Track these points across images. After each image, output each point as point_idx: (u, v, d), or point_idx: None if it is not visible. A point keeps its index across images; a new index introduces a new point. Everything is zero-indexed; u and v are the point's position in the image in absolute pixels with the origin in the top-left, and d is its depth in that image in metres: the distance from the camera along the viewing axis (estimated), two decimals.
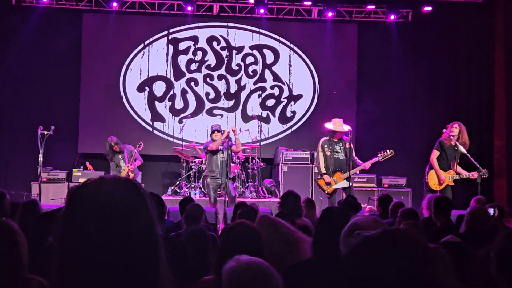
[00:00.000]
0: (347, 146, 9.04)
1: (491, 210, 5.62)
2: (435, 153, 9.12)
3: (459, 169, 9.12)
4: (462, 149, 8.97)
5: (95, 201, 1.36)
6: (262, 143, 12.02)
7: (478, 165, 8.86)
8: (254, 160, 11.67)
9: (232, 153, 9.85)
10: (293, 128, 12.84)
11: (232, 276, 1.73)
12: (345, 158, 8.98)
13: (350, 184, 9.05)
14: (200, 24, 12.79)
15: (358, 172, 9.27)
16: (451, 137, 9.01)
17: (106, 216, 1.34)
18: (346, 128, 9.07)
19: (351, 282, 1.48)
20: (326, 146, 9.05)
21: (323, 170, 9.04)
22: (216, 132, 9.57)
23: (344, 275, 1.52)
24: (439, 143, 9.15)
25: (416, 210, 5.65)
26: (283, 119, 12.84)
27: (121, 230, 1.33)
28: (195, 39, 12.77)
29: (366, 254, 1.49)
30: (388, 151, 9.09)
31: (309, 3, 12.43)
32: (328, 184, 8.98)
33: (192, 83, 12.70)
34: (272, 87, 12.84)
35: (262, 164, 11.70)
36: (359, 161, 9.09)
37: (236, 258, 1.79)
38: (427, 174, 9.15)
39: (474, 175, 8.90)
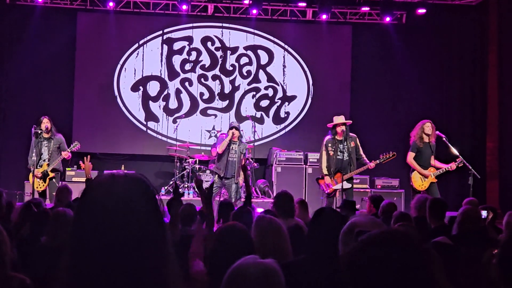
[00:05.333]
0: (352, 145, 8.97)
1: (484, 213, 5.65)
2: (411, 155, 9.16)
3: (437, 164, 9.18)
4: (450, 145, 9.07)
5: (105, 200, 1.35)
6: (256, 143, 12.03)
7: (457, 153, 9.00)
8: (247, 161, 11.68)
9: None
10: (287, 129, 12.87)
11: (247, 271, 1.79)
12: (348, 158, 8.89)
13: (351, 185, 9.01)
14: (194, 24, 12.80)
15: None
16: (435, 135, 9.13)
17: (116, 216, 1.33)
18: (342, 119, 9.03)
19: (352, 281, 1.48)
20: (330, 145, 8.97)
21: (325, 171, 8.99)
22: (229, 130, 9.63)
23: (344, 274, 1.51)
24: (413, 145, 9.18)
25: (408, 212, 5.67)
26: (277, 119, 12.86)
27: (131, 230, 1.33)
28: (189, 39, 12.77)
29: (367, 254, 1.48)
30: (390, 153, 9.08)
31: (304, 4, 12.46)
32: (328, 185, 8.97)
33: (187, 83, 12.71)
34: (266, 88, 12.86)
35: (255, 164, 11.72)
36: (366, 159, 9.04)
37: (253, 257, 1.86)
38: (411, 177, 9.20)
39: (452, 166, 8.99)
